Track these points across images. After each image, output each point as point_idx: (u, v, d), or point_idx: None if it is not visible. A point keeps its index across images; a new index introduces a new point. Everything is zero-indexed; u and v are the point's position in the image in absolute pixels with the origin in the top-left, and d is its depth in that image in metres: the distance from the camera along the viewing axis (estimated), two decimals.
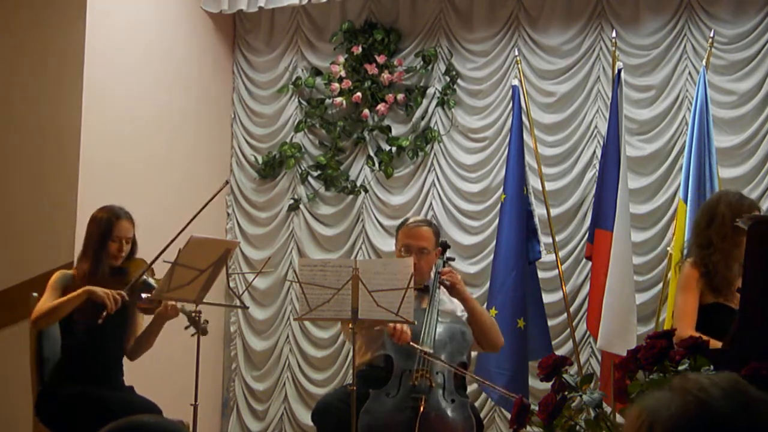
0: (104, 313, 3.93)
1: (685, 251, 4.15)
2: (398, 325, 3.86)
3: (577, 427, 2.53)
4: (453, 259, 4.46)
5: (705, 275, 3.93)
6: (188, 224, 4.13)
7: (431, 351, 3.88)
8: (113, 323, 4.14)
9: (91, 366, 4.02)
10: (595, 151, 5.63)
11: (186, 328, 4.08)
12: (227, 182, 3.87)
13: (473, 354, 4.47)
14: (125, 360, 4.33)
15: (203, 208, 4.22)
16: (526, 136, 5.47)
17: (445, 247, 4.37)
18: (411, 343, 3.87)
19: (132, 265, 4.24)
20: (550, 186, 5.58)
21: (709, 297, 3.94)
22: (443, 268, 4.22)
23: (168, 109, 5.92)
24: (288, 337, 6.23)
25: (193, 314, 4.10)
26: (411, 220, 4.37)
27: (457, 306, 4.25)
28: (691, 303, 3.90)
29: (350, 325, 3.80)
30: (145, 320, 4.39)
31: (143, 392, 4.28)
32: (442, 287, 4.17)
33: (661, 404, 1.25)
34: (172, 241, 4.05)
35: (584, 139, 5.67)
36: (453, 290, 4.19)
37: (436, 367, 3.92)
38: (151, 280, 4.14)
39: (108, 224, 4.16)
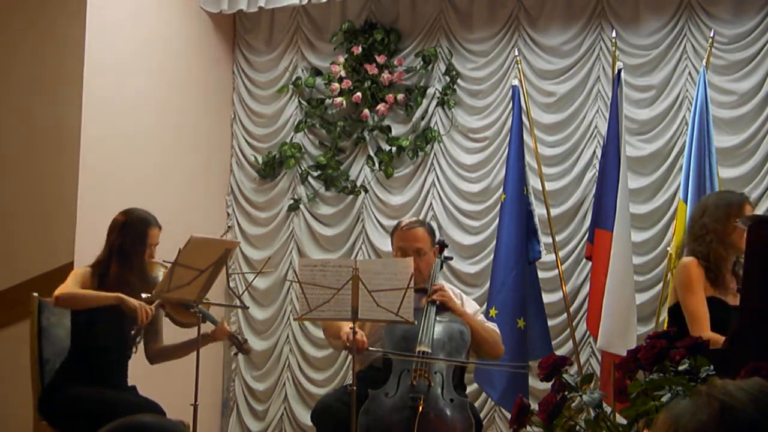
0: (135, 327, 3.98)
1: (685, 251, 4.15)
2: (357, 336, 3.86)
3: (577, 427, 2.53)
4: (451, 258, 4.45)
5: (707, 269, 3.95)
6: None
7: (429, 351, 3.88)
8: (118, 325, 4.15)
9: (96, 366, 4.02)
10: (595, 151, 5.62)
11: (229, 347, 4.14)
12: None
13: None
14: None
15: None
16: (526, 136, 5.47)
17: (442, 245, 4.36)
18: (370, 348, 3.89)
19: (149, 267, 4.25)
20: (550, 186, 5.58)
21: (708, 290, 3.96)
22: (434, 285, 4.19)
23: (168, 109, 5.92)
24: (288, 337, 6.22)
25: (237, 334, 4.25)
26: (404, 223, 4.33)
27: (467, 307, 4.24)
28: (702, 303, 3.89)
29: (350, 325, 3.81)
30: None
31: (143, 392, 4.29)
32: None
33: (687, 410, 1.25)
34: None
35: (584, 139, 5.67)
36: (444, 309, 4.17)
37: (435, 366, 3.91)
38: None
39: (143, 232, 4.17)
